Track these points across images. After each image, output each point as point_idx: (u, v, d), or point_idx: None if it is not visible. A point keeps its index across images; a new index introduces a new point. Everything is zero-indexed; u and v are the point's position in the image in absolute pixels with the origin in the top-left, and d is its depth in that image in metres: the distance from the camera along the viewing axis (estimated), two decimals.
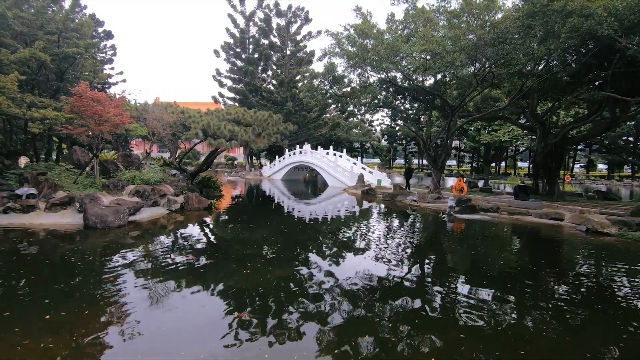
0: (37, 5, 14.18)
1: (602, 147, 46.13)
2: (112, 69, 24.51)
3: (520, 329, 4.22)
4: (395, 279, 5.97)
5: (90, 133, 12.13)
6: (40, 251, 6.95)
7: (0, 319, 4.05)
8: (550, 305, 4.93)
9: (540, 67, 15.48)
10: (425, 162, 49.58)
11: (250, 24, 38.96)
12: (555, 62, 14.84)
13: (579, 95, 17.39)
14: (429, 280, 6.05)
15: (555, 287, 5.76)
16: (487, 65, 15.10)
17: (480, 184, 28.16)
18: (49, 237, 8.12)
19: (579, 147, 48.23)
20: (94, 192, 10.91)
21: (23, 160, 16.67)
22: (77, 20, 16.92)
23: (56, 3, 15.48)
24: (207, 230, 9.93)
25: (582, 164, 60.59)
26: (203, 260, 6.63)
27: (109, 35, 24.16)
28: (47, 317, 4.11)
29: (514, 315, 4.61)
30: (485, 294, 5.36)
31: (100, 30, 23.72)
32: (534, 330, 4.19)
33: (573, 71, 14.87)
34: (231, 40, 39.13)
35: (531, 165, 35.74)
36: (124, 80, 38.51)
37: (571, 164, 48.79)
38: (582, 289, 5.72)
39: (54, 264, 6.25)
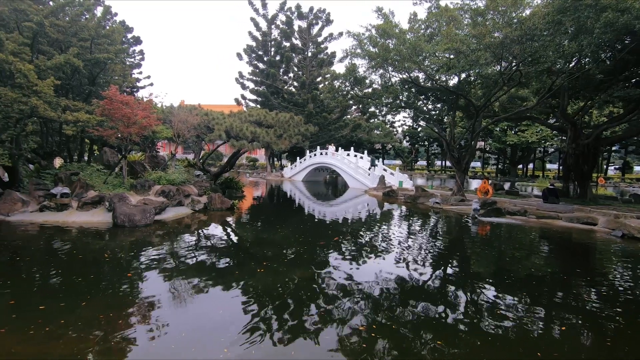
0: (71, 13, 14.87)
1: (639, 148, 43.63)
2: (140, 73, 25.50)
3: (548, 341, 4.04)
4: (415, 283, 5.85)
5: (119, 135, 12.61)
6: (72, 248, 7.28)
7: (32, 312, 4.26)
8: (580, 317, 4.70)
9: (571, 65, 14.81)
10: (448, 163, 48.51)
11: (272, 26, 39.39)
12: (587, 59, 14.16)
13: (613, 94, 16.50)
14: (451, 285, 5.89)
15: (588, 297, 5.48)
16: (513, 64, 14.59)
17: (507, 186, 27.21)
18: (80, 234, 8.49)
19: (614, 148, 45.83)
20: (122, 191, 11.34)
21: (58, 161, 17.48)
22: (108, 27, 17.64)
23: (89, 11, 16.19)
24: (229, 230, 10.09)
25: (617, 166, 57.46)
26: (228, 259, 6.75)
27: (137, 40, 25.05)
28: (78, 310, 4.30)
29: (541, 325, 4.42)
30: (511, 302, 5.17)
31: (129, 36, 24.62)
32: (562, 343, 4.00)
33: (607, 68, 14.14)
34: (253, 43, 39.71)
35: (561, 167, 34.24)
36: (151, 84, 39.76)
37: (605, 166, 46.37)
38: (617, 300, 5.41)
39: (85, 260, 6.52)
